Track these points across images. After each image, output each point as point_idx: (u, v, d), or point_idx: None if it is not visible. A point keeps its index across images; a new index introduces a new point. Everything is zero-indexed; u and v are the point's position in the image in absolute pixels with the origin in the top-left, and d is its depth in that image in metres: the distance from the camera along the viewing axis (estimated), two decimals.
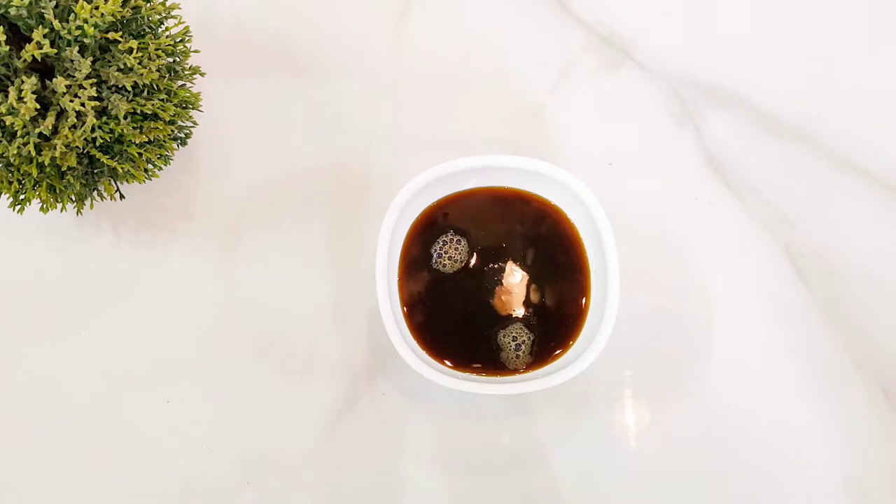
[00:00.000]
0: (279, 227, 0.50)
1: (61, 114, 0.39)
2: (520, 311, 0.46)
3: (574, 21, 0.54)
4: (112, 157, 0.43)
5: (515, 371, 0.45)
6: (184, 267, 0.49)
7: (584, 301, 0.45)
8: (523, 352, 0.45)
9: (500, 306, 0.46)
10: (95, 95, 0.39)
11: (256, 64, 0.53)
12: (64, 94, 0.38)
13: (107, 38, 0.39)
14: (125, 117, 0.41)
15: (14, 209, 0.43)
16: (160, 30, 0.44)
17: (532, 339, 0.45)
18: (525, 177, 0.46)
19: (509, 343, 0.45)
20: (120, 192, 0.48)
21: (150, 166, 0.45)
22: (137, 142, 0.42)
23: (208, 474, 0.47)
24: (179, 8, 0.44)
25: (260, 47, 0.53)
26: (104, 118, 0.40)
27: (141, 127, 0.42)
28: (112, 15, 0.38)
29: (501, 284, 0.46)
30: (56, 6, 0.38)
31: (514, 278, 0.46)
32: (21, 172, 0.41)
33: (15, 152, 0.38)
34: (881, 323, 0.49)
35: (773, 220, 0.51)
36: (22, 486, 0.47)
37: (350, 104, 0.52)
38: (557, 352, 0.45)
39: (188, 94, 0.45)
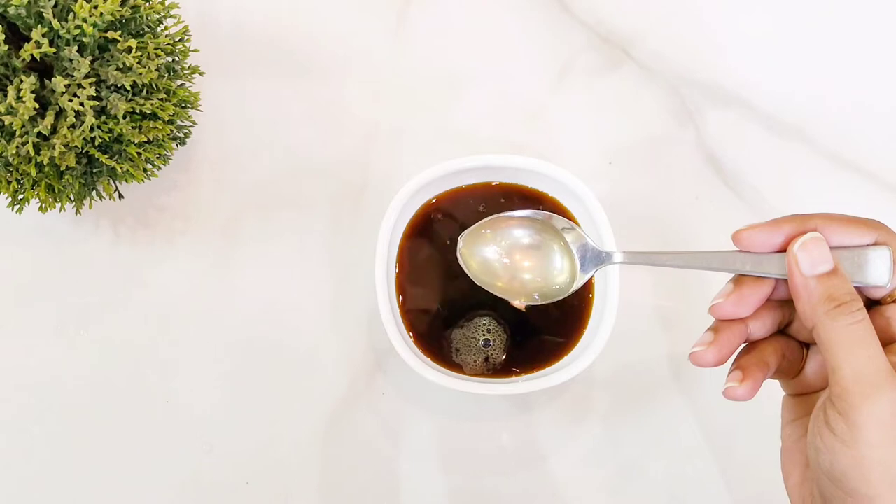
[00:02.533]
0: (278, 227, 0.50)
1: (60, 113, 0.39)
2: (519, 311, 0.46)
3: (574, 21, 0.53)
4: (111, 157, 0.43)
5: (515, 371, 0.45)
6: (183, 267, 0.49)
7: (584, 301, 0.45)
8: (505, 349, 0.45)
9: (499, 305, 0.46)
10: (94, 95, 0.39)
11: (256, 64, 0.52)
12: (63, 93, 0.38)
13: (106, 38, 0.39)
14: (124, 117, 0.41)
15: (13, 209, 0.43)
16: (159, 29, 0.44)
17: (517, 338, 0.45)
18: (525, 176, 0.46)
19: (491, 339, 0.45)
20: (119, 192, 0.48)
21: (149, 166, 0.45)
22: (136, 141, 0.42)
23: (208, 474, 0.47)
24: (178, 7, 0.44)
25: (260, 47, 0.53)
26: (103, 117, 0.40)
27: (140, 126, 0.42)
28: (111, 14, 0.38)
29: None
30: (55, 5, 0.38)
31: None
32: (20, 172, 0.40)
33: (14, 152, 0.38)
34: None
35: None
36: (21, 486, 0.47)
37: (350, 104, 0.52)
38: (558, 352, 0.45)
39: (187, 94, 0.45)
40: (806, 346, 0.32)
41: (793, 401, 0.31)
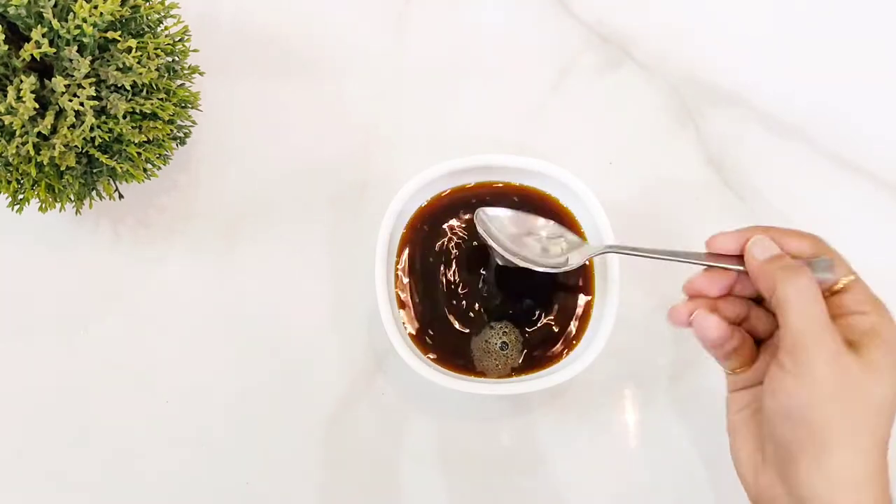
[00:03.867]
0: (278, 227, 0.50)
1: (60, 113, 0.39)
2: (519, 311, 0.46)
3: (574, 20, 0.53)
4: (111, 157, 0.43)
5: (513, 372, 0.45)
6: (183, 267, 0.49)
7: (584, 301, 0.45)
8: (517, 350, 0.45)
9: (499, 305, 0.46)
10: (94, 95, 0.39)
11: (256, 64, 0.52)
12: (63, 93, 0.38)
13: (106, 38, 0.39)
14: (124, 116, 0.41)
15: (13, 209, 0.43)
16: (159, 29, 0.44)
17: (527, 339, 0.45)
18: (525, 176, 0.46)
19: (508, 341, 0.45)
20: (119, 192, 0.48)
21: (149, 166, 0.45)
22: (136, 141, 0.42)
23: (208, 474, 0.47)
24: (178, 7, 0.44)
25: (260, 47, 0.53)
26: (103, 117, 0.40)
27: (140, 126, 0.42)
28: (111, 14, 0.38)
29: (501, 284, 0.46)
30: (55, 5, 0.38)
31: (514, 278, 0.46)
32: (20, 172, 0.40)
33: (14, 152, 0.38)
34: None
35: (773, 220, 0.50)
36: (21, 486, 0.47)
37: (350, 104, 0.52)
38: (558, 352, 0.45)
39: (187, 94, 0.45)
40: (758, 343, 0.37)
41: (738, 394, 0.36)
